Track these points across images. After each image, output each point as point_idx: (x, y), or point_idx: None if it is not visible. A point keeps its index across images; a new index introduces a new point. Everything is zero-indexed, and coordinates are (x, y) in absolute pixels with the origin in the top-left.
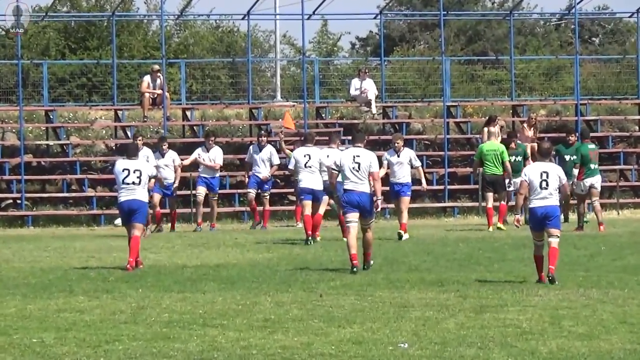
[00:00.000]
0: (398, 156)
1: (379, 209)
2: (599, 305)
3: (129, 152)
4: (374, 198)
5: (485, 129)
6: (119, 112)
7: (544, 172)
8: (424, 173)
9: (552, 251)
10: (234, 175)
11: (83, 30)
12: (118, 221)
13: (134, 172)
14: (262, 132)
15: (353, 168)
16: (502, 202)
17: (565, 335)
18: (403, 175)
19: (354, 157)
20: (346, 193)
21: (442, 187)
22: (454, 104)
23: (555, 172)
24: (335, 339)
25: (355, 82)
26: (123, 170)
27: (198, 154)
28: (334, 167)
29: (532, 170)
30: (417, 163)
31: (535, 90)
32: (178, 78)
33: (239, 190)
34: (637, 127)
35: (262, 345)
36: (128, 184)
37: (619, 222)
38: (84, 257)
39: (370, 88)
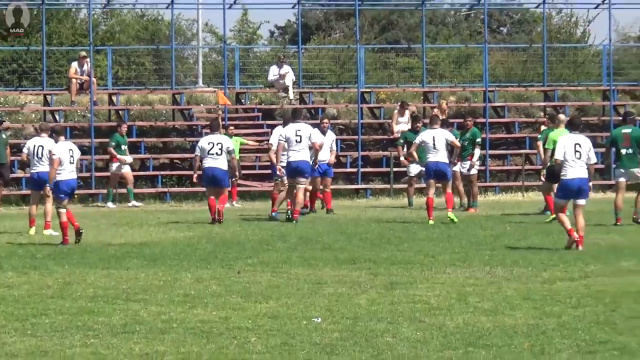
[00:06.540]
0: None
1: (316, 167)
2: (504, 283)
3: (213, 127)
4: (311, 163)
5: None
6: (48, 97)
7: (434, 136)
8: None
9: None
10: (157, 157)
11: None
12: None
13: (217, 144)
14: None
15: (296, 140)
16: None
17: (472, 311)
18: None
19: (296, 131)
20: (289, 163)
21: (355, 169)
22: (367, 90)
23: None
24: (252, 314)
25: (273, 69)
26: (208, 144)
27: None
28: (281, 139)
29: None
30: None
31: (446, 77)
32: (105, 64)
33: (162, 172)
34: (542, 114)
35: (182, 319)
36: (212, 154)
37: (524, 204)
38: (13, 235)
39: (288, 74)
